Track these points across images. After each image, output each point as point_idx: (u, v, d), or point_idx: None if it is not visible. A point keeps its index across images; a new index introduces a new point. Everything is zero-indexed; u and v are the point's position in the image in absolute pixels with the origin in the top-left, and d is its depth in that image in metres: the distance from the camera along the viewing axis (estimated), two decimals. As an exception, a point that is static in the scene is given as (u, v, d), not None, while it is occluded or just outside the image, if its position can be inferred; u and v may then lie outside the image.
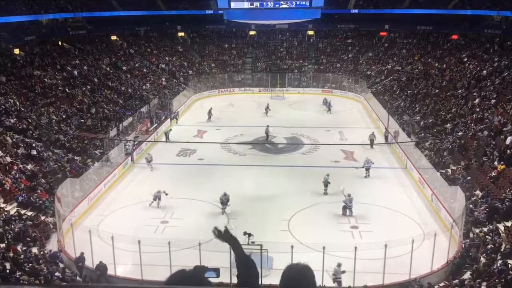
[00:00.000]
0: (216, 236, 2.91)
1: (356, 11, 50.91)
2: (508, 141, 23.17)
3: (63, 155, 25.07)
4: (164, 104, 38.24)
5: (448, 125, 29.06)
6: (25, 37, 37.98)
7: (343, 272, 15.27)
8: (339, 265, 15.42)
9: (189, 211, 20.87)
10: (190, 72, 48.83)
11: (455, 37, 44.04)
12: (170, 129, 32.65)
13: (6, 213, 18.68)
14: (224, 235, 2.88)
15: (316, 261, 14.27)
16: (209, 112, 36.50)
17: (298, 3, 31.74)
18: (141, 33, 51.13)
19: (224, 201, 20.38)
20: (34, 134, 26.00)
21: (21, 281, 13.87)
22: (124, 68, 43.01)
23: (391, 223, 19.46)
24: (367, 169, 24.50)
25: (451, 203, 19.50)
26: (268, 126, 31.14)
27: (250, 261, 2.78)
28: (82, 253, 16.23)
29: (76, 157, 25.42)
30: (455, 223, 17.75)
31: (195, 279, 2.41)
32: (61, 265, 16.73)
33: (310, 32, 54.16)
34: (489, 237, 17.09)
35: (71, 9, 44.27)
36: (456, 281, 15.08)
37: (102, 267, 15.64)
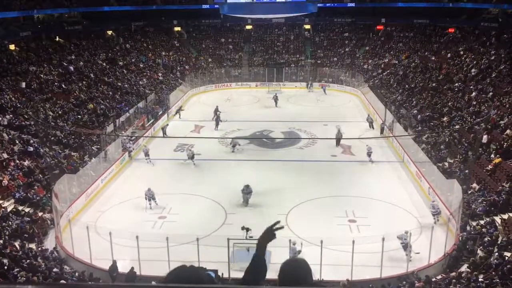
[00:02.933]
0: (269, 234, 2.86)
1: (352, 4, 50.78)
2: (484, 140, 23.29)
3: (60, 151, 25.01)
4: (161, 99, 38.15)
5: (445, 118, 29.10)
6: (21, 33, 37.76)
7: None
8: (406, 232, 16.26)
9: (187, 206, 20.88)
10: (187, 67, 48.70)
11: (451, 30, 44.02)
12: (167, 124, 32.59)
13: (3, 209, 18.64)
14: (269, 233, 2.86)
15: (314, 255, 14.34)
16: (274, 98, 38.62)
17: (294, -3, 31.69)
18: (137, 28, 50.89)
19: None
20: (30, 130, 25.88)
21: (19, 278, 13.88)
22: (120, 63, 42.85)
23: (389, 217, 19.53)
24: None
25: (448, 196, 19.58)
26: (385, 121, 30.52)
27: (263, 261, 2.79)
28: (114, 262, 15.44)
29: (73, 153, 25.36)
30: (452, 216, 17.84)
31: (196, 276, 2.41)
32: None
33: (307, 26, 54.04)
34: (486, 230, 17.17)
35: (66, 4, 43.99)
36: (454, 273, 15.15)
37: (131, 275, 15.21)
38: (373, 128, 31.46)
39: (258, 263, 2.75)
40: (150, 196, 20.52)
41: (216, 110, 33.52)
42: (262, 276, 2.76)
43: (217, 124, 32.38)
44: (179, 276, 2.34)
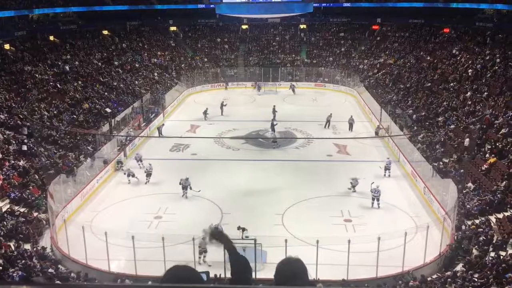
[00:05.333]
0: (209, 238, 2.91)
1: (348, 4, 50.88)
2: (466, 143, 23.40)
3: (55, 151, 24.91)
4: (156, 99, 38.06)
5: (440, 118, 29.20)
6: (16, 32, 37.59)
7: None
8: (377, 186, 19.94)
9: (183, 206, 20.86)
10: (183, 65, 48.63)
11: (446, 30, 44.16)
12: (163, 124, 32.53)
13: (-2, 210, 18.58)
14: (216, 235, 2.89)
15: (310, 255, 14.35)
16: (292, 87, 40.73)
17: (290, -3, 31.72)
18: (133, 28, 50.74)
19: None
20: (23, 129, 25.73)
21: (16, 277, 13.83)
22: (116, 63, 42.73)
23: (384, 216, 19.58)
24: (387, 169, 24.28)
25: (444, 195, 19.65)
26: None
27: (243, 258, 2.79)
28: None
29: (68, 153, 25.26)
30: (447, 215, 17.89)
31: (192, 275, 2.41)
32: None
33: (302, 26, 54.06)
34: (481, 229, 17.24)
35: (61, 4, 43.85)
36: (449, 273, 15.21)
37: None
38: (328, 127, 32.22)
39: (237, 262, 2.77)
40: (186, 185, 21.31)
41: (274, 110, 32.14)
42: (248, 272, 2.77)
43: (273, 126, 30.83)
44: (176, 275, 2.35)
